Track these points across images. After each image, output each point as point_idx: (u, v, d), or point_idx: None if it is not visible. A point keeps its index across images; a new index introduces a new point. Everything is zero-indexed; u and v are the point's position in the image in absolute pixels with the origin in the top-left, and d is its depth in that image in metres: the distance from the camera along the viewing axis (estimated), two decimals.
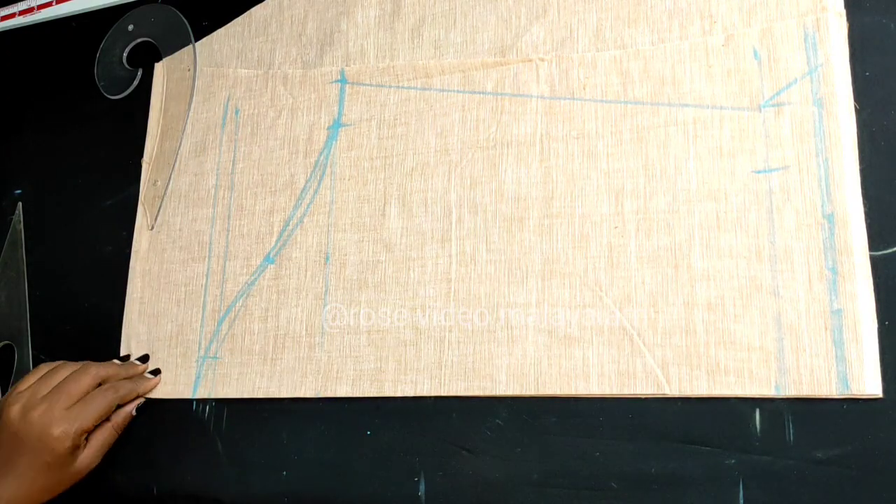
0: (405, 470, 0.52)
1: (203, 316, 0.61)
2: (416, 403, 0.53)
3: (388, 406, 0.54)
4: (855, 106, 0.47)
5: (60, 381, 0.57)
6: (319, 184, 0.60)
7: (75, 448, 0.56)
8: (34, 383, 0.58)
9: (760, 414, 0.45)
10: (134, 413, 0.60)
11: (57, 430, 0.55)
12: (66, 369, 0.58)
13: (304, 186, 0.60)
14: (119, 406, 0.59)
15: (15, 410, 0.56)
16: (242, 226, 0.62)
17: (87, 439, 0.57)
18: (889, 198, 0.45)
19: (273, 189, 0.61)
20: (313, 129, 0.61)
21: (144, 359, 0.63)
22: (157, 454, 0.60)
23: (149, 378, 0.61)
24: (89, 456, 0.57)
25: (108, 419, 0.58)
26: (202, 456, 0.59)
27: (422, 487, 0.52)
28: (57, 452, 0.55)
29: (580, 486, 0.48)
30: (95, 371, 0.58)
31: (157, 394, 0.61)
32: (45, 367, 0.59)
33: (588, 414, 0.49)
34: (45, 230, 0.72)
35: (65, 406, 0.55)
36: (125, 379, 0.60)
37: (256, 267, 0.60)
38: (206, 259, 0.63)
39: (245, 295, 0.60)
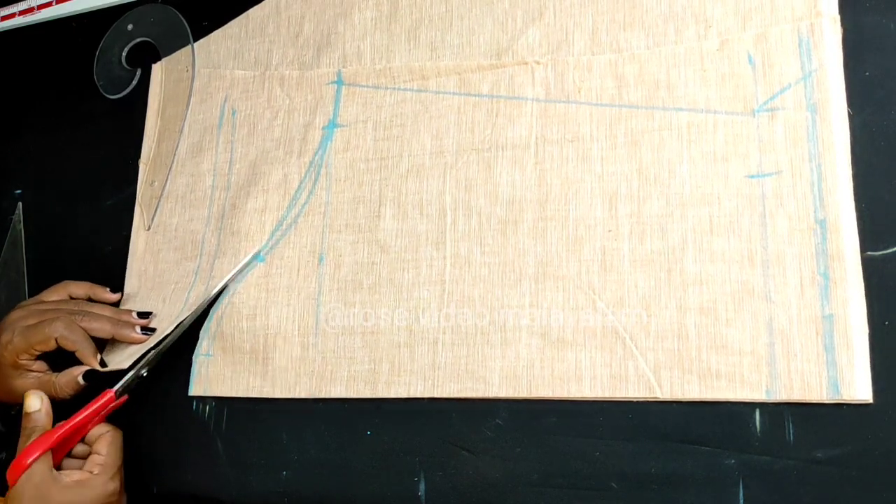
0: (405, 470, 0.52)
1: (182, 311, 0.61)
2: (416, 404, 0.53)
3: (388, 406, 0.54)
4: (848, 111, 0.47)
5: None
6: (315, 184, 0.60)
7: (15, 366, 0.58)
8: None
9: (760, 414, 0.45)
10: (81, 381, 0.58)
11: (3, 338, 0.59)
12: (62, 292, 0.63)
13: (299, 186, 0.60)
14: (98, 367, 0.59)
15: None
16: (233, 224, 0.62)
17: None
18: (888, 198, 0.45)
19: (265, 188, 0.61)
20: (308, 130, 0.61)
21: (145, 315, 0.62)
22: (157, 454, 0.60)
23: (135, 328, 0.60)
24: (26, 387, 0.58)
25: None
26: (202, 456, 0.59)
27: (422, 487, 0.52)
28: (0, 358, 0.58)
29: (580, 486, 0.48)
30: (56, 298, 0.61)
31: (113, 364, 0.59)
32: (66, 285, 0.63)
33: (588, 414, 0.49)
34: (45, 230, 0.72)
35: (27, 322, 0.59)
36: (106, 317, 0.60)
37: (245, 265, 0.60)
38: (198, 257, 0.63)
39: (231, 293, 0.60)
